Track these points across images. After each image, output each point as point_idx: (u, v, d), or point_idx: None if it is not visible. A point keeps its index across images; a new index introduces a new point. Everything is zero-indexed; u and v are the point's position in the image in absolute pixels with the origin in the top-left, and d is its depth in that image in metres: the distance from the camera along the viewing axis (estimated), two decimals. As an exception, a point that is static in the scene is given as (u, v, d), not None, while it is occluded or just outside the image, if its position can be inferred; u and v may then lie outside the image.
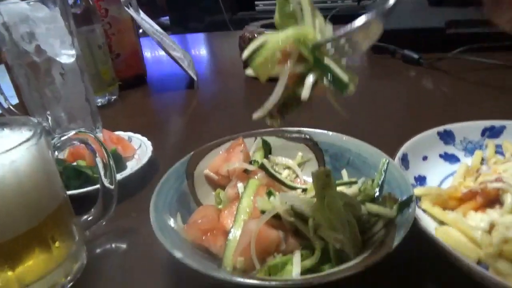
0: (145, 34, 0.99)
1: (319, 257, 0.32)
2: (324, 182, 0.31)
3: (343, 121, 0.47)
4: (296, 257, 0.31)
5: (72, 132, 0.38)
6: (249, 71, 0.31)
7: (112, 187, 0.41)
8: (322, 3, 2.04)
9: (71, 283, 0.37)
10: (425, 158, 0.48)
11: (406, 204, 0.34)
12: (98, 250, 0.42)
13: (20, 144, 0.31)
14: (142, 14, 0.87)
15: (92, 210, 0.42)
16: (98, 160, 0.40)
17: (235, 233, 0.34)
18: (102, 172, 0.41)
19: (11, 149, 0.30)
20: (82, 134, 0.38)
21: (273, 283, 0.27)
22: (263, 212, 0.34)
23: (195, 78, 0.88)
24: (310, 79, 0.29)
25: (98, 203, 0.42)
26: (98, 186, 0.44)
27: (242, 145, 0.45)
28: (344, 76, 0.28)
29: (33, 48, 0.55)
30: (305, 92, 0.28)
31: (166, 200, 0.38)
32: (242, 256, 0.32)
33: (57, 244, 0.36)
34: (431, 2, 1.05)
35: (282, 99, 0.31)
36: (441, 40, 0.94)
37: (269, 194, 0.36)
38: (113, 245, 0.43)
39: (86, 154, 0.55)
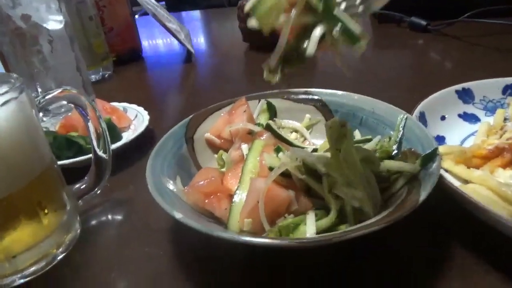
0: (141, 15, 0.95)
1: (335, 217, 0.28)
2: (340, 133, 0.28)
3: (350, 88, 0.44)
4: (310, 216, 0.28)
5: (58, 90, 0.34)
6: (252, 22, 0.27)
7: (105, 155, 0.38)
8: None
9: (64, 254, 0.34)
10: (443, 118, 0.44)
11: (429, 157, 0.30)
12: (93, 221, 0.39)
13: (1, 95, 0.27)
14: (135, -16, 0.82)
15: (85, 179, 0.38)
16: (90, 124, 0.37)
17: (241, 195, 0.31)
18: (94, 138, 0.37)
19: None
20: (68, 92, 0.34)
21: (287, 242, 0.24)
22: (271, 169, 0.30)
23: (192, 51, 0.84)
24: (317, 32, 0.25)
25: (91, 171, 0.38)
26: (91, 155, 0.41)
27: (246, 105, 0.41)
28: (356, 28, 0.24)
29: (17, 13, 0.51)
30: (311, 47, 0.25)
31: (164, 163, 0.35)
32: (249, 217, 0.28)
33: (45, 211, 0.32)
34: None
35: (284, 52, 0.27)
36: (449, 7, 0.89)
37: (278, 150, 0.32)
38: (108, 216, 0.40)
39: (79, 127, 0.51)
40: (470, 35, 0.81)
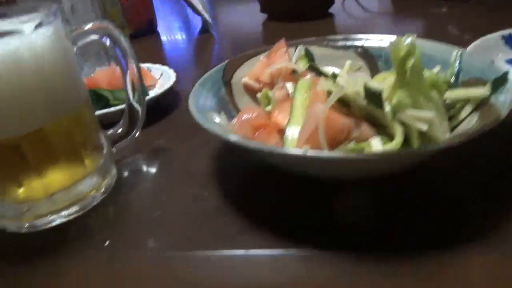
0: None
1: (400, 143, 0.26)
2: (408, 50, 0.26)
3: None
4: (375, 140, 0.26)
5: (90, 24, 0.32)
6: None
7: (139, 103, 0.36)
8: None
9: (103, 197, 0.32)
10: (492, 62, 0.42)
11: (501, 81, 0.28)
12: (129, 169, 0.37)
13: (34, 18, 0.25)
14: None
15: (119, 124, 0.36)
16: (124, 63, 0.34)
17: (294, 126, 0.28)
18: (129, 83, 0.35)
19: (25, 22, 0.25)
20: (102, 25, 0.32)
21: (362, 156, 0.22)
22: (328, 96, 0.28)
23: (210, 21, 0.81)
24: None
25: (124, 119, 0.36)
26: (120, 108, 0.39)
27: (285, 47, 0.39)
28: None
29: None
30: None
31: (207, 100, 0.33)
32: (308, 143, 0.26)
33: (85, 150, 0.30)
34: None
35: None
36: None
37: (334, 76, 0.30)
38: (144, 165, 0.38)
39: (103, 85, 0.49)
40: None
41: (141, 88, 0.36)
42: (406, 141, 0.27)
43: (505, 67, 0.42)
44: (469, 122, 0.28)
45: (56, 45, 0.27)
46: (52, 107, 0.27)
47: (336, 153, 0.23)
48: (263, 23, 0.86)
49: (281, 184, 0.30)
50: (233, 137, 0.25)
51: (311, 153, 0.22)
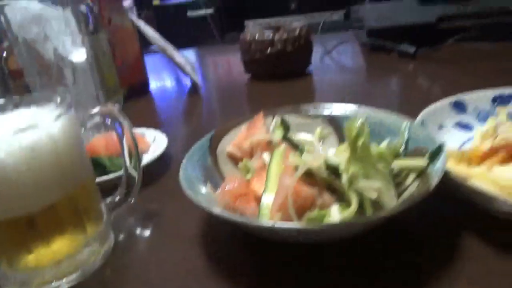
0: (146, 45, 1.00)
1: (356, 209, 0.32)
2: (359, 130, 0.32)
3: None
4: (334, 208, 0.31)
5: (97, 108, 0.38)
6: None
7: (135, 172, 0.41)
8: (309, 17, 2.11)
9: (102, 262, 0.36)
10: (441, 127, 0.49)
11: (436, 152, 0.34)
12: (123, 234, 0.41)
13: (54, 110, 0.31)
14: (143, 23, 0.88)
15: (116, 192, 0.41)
16: (124, 140, 0.40)
17: (269, 194, 0.34)
18: (126, 153, 0.40)
19: (45, 114, 0.30)
20: (107, 108, 0.38)
21: (322, 226, 0.27)
22: (295, 169, 0.33)
23: (198, 82, 0.89)
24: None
25: (121, 186, 0.41)
26: (117, 174, 0.44)
27: (263, 119, 0.45)
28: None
29: (46, 46, 0.56)
30: None
31: (194, 171, 0.38)
32: (279, 211, 0.31)
33: (88, 219, 0.35)
34: (420, 0, 1.09)
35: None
36: (434, 34, 0.97)
37: (301, 152, 0.36)
38: (138, 229, 0.42)
39: (101, 150, 0.55)
40: (456, 58, 0.88)
41: (137, 156, 0.41)
42: (363, 207, 0.32)
43: (451, 131, 0.49)
44: (412, 189, 0.33)
45: (70, 132, 0.33)
46: (64, 184, 0.32)
47: (298, 225, 0.28)
48: (247, 83, 0.94)
49: (264, 245, 0.35)
50: (216, 210, 0.30)
51: (278, 224, 0.27)
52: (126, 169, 0.41)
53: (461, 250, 0.32)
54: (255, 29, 0.90)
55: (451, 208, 0.37)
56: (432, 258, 0.32)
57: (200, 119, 0.77)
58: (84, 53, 0.60)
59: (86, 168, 0.36)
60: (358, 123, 0.32)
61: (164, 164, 0.54)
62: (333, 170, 0.33)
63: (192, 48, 1.55)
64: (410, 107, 0.68)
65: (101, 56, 0.79)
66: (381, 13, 1.08)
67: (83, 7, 0.69)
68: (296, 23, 0.91)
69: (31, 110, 0.34)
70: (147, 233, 0.41)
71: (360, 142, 0.32)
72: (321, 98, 0.84)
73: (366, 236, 0.34)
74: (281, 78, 0.89)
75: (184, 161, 0.38)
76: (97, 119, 0.38)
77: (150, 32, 0.84)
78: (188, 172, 0.37)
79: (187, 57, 0.93)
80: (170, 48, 0.87)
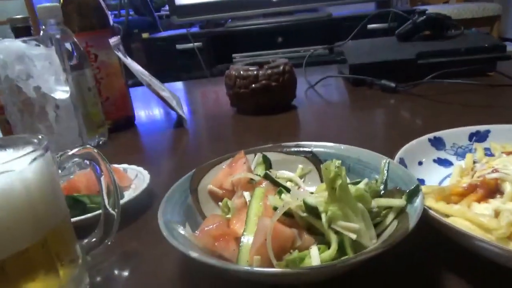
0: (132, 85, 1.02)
1: (336, 250, 0.31)
2: (335, 173, 0.32)
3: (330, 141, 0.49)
4: (314, 250, 0.31)
5: (76, 149, 0.37)
6: None
7: (114, 210, 0.40)
8: (294, 52, 2.17)
9: (76, 307, 0.34)
10: (420, 163, 0.50)
11: (414, 193, 0.35)
12: (100, 276, 0.40)
13: (28, 153, 0.30)
14: (129, 59, 0.90)
15: (94, 233, 0.40)
16: (102, 180, 0.39)
17: (248, 235, 0.33)
18: (105, 193, 0.40)
19: (20, 157, 0.30)
20: (86, 149, 0.37)
21: (298, 270, 0.27)
22: (275, 209, 0.33)
23: (183, 116, 0.89)
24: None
25: (99, 226, 0.40)
26: (96, 213, 0.43)
27: (244, 157, 0.45)
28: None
29: (29, 85, 0.56)
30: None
31: (174, 212, 0.38)
32: (258, 254, 0.31)
33: (62, 263, 0.34)
34: (399, 38, 1.13)
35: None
36: (414, 70, 1.01)
37: (280, 193, 0.36)
38: (115, 270, 0.41)
39: (82, 188, 0.54)
40: (434, 93, 0.91)
41: (116, 196, 0.40)
42: (343, 247, 0.32)
43: (431, 167, 0.50)
44: (391, 229, 0.33)
45: (45, 176, 0.32)
46: (37, 228, 0.31)
47: (275, 269, 0.27)
48: (233, 116, 0.95)
49: (244, 287, 0.34)
50: (193, 253, 0.29)
51: (255, 269, 0.27)
52: (105, 209, 0.40)
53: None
54: (240, 66, 0.91)
55: (432, 246, 0.37)
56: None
57: (185, 154, 0.77)
58: (68, 91, 0.60)
59: (61, 211, 0.35)
60: (335, 165, 0.32)
61: (146, 202, 0.53)
62: (312, 211, 0.33)
63: (180, 81, 1.57)
64: (392, 141, 0.70)
65: (86, 92, 0.80)
66: (363, 50, 1.12)
67: (68, 45, 0.70)
68: (280, 60, 0.94)
69: (6, 152, 0.34)
70: (124, 275, 0.40)
71: (338, 184, 0.32)
72: (305, 130, 0.85)
73: (346, 276, 0.33)
74: (267, 111, 0.91)
75: (163, 201, 0.38)
76: (75, 160, 0.37)
77: (135, 67, 0.85)
78: (167, 212, 0.37)
79: (172, 92, 0.94)
80: (155, 83, 0.88)
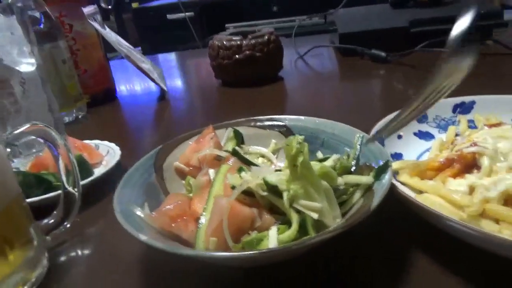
0: (112, 52, 0.98)
1: (296, 231, 0.30)
2: (297, 149, 0.30)
3: (318, 115, 0.46)
4: (272, 231, 0.29)
5: (26, 126, 0.35)
6: None
7: (74, 189, 0.39)
8: (289, 21, 2.10)
9: (32, 288, 0.33)
10: (399, 137, 0.47)
11: (382, 169, 0.32)
12: (62, 257, 0.38)
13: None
14: (108, 29, 0.86)
15: (53, 213, 0.39)
16: (59, 159, 0.37)
17: (207, 216, 0.32)
18: (63, 172, 0.38)
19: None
20: (37, 126, 0.35)
21: (246, 254, 0.25)
22: (234, 189, 0.31)
23: (165, 88, 0.86)
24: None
25: (59, 206, 0.39)
26: (58, 192, 0.41)
27: (212, 133, 0.43)
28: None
29: (-11, 57, 0.53)
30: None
31: (133, 192, 0.36)
32: (214, 235, 0.29)
33: (11, 247, 0.32)
34: (393, 5, 1.08)
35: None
36: (406, 39, 0.96)
37: (240, 170, 0.34)
38: (78, 251, 0.39)
39: (50, 165, 0.52)
40: (426, 63, 0.87)
41: (76, 174, 0.38)
42: (304, 227, 0.30)
43: (411, 140, 0.47)
44: (357, 207, 0.31)
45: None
46: (-22, 212, 0.29)
47: (228, 252, 0.26)
48: (217, 89, 0.92)
49: (201, 271, 0.33)
50: (142, 236, 0.27)
51: (203, 253, 0.25)
52: (64, 188, 0.38)
53: (410, 266, 0.31)
54: (224, 35, 0.87)
55: (403, 222, 0.36)
56: (381, 274, 0.30)
57: (164, 128, 0.75)
58: (34, 63, 0.57)
59: (10, 191, 0.33)
60: (298, 140, 0.30)
61: (116, 178, 0.51)
62: (273, 189, 0.31)
63: (169, 52, 1.52)
64: (378, 113, 0.67)
65: (61, 64, 0.76)
66: (354, 18, 1.07)
67: (36, 14, 0.66)
68: (265, 29, 0.90)
69: None
70: (86, 256, 0.38)
71: (299, 161, 0.30)
72: (291, 103, 0.82)
73: (310, 255, 0.32)
74: (252, 83, 0.87)
75: (123, 178, 0.36)
76: (26, 138, 0.35)
77: (112, 38, 0.81)
78: (125, 192, 0.35)
79: (154, 63, 0.90)
80: (134, 55, 0.84)
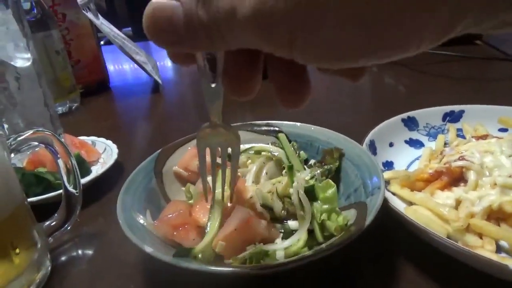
0: (106, 42, 0.96)
1: (302, 243, 0.31)
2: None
3: (311, 115, 0.48)
4: (279, 243, 0.31)
5: (30, 132, 0.35)
6: None
7: (75, 191, 0.39)
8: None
9: (37, 290, 0.34)
10: (391, 144, 0.49)
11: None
12: (63, 258, 0.39)
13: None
14: (101, 19, 0.84)
15: (55, 215, 0.39)
16: (60, 162, 0.38)
17: (214, 223, 0.33)
18: (64, 175, 0.39)
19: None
20: (40, 133, 0.36)
21: (249, 270, 0.27)
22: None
23: (159, 81, 0.86)
24: None
25: (61, 208, 0.39)
26: (60, 191, 0.42)
27: (211, 139, 0.44)
28: None
29: (-16, 52, 0.52)
30: None
31: (135, 198, 0.37)
32: (224, 240, 0.31)
33: (17, 251, 0.33)
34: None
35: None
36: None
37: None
38: (79, 251, 0.40)
39: (47, 161, 0.52)
40: (419, 63, 0.89)
41: (76, 176, 0.39)
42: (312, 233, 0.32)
43: (402, 148, 0.49)
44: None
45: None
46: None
47: (229, 268, 0.27)
48: (212, 82, 0.92)
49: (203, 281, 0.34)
50: (148, 249, 0.29)
51: (207, 267, 0.27)
52: (66, 190, 0.39)
53: (400, 277, 0.33)
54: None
55: (395, 234, 0.38)
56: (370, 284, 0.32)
57: (157, 123, 0.75)
58: (29, 58, 0.56)
59: (15, 198, 0.34)
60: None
61: (114, 176, 0.52)
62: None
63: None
64: (371, 110, 0.69)
65: (54, 55, 0.75)
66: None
67: (27, 4, 0.65)
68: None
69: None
70: (88, 257, 0.40)
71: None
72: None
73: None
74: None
75: (124, 184, 0.37)
76: (30, 144, 0.36)
77: (105, 28, 0.80)
78: (127, 197, 0.36)
79: (148, 54, 0.90)
80: (129, 46, 0.84)
